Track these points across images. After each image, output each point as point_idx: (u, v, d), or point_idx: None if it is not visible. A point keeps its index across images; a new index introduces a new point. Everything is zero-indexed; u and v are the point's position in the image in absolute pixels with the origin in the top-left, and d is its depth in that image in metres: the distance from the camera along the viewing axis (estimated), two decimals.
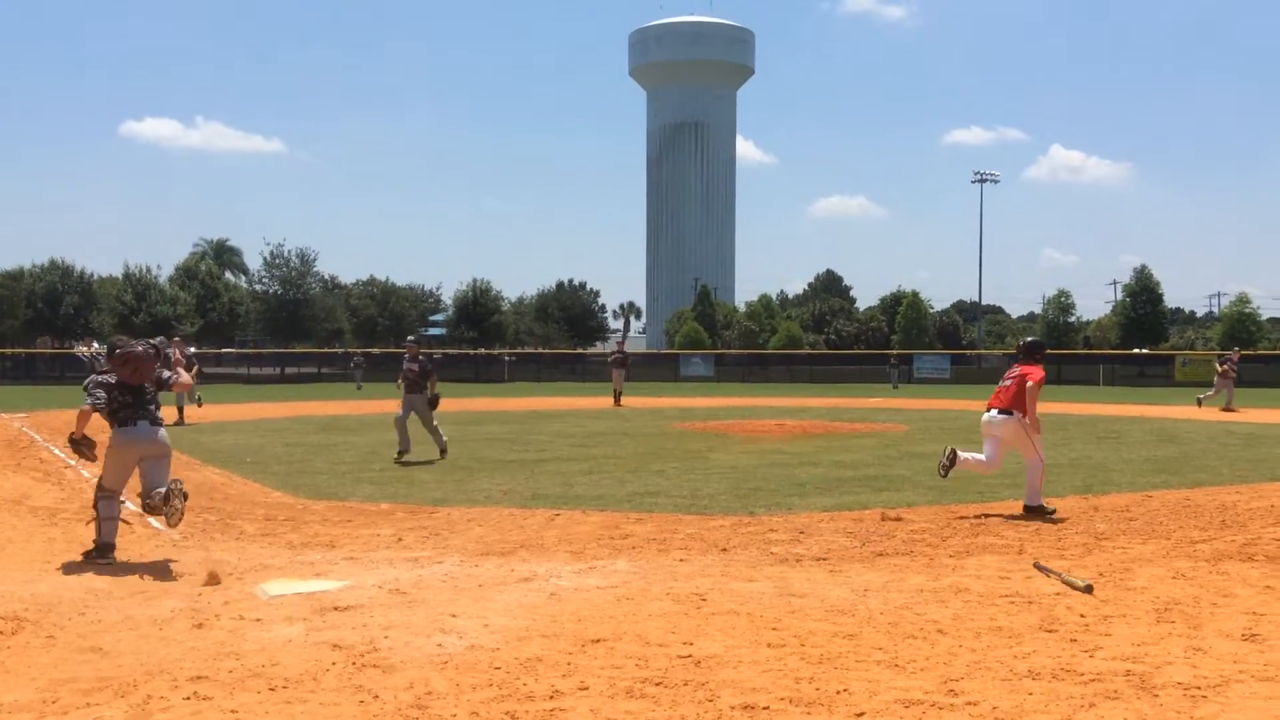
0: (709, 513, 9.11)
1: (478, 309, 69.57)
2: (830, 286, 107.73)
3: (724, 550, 7.30)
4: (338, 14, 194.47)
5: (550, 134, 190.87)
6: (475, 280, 71.30)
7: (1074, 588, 6.02)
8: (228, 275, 71.17)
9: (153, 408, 7.43)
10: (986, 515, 8.95)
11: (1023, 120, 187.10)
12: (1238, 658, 4.68)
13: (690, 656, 4.68)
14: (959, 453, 9.29)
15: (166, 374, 8.01)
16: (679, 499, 9.95)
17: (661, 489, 10.68)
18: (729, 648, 4.82)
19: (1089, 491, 10.58)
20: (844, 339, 79.55)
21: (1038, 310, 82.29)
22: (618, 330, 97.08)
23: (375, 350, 59.83)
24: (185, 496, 7.08)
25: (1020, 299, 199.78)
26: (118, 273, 59.46)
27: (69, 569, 6.72)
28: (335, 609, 5.53)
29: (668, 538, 7.80)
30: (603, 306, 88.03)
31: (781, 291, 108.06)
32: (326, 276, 72.98)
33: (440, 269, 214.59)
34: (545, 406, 28.94)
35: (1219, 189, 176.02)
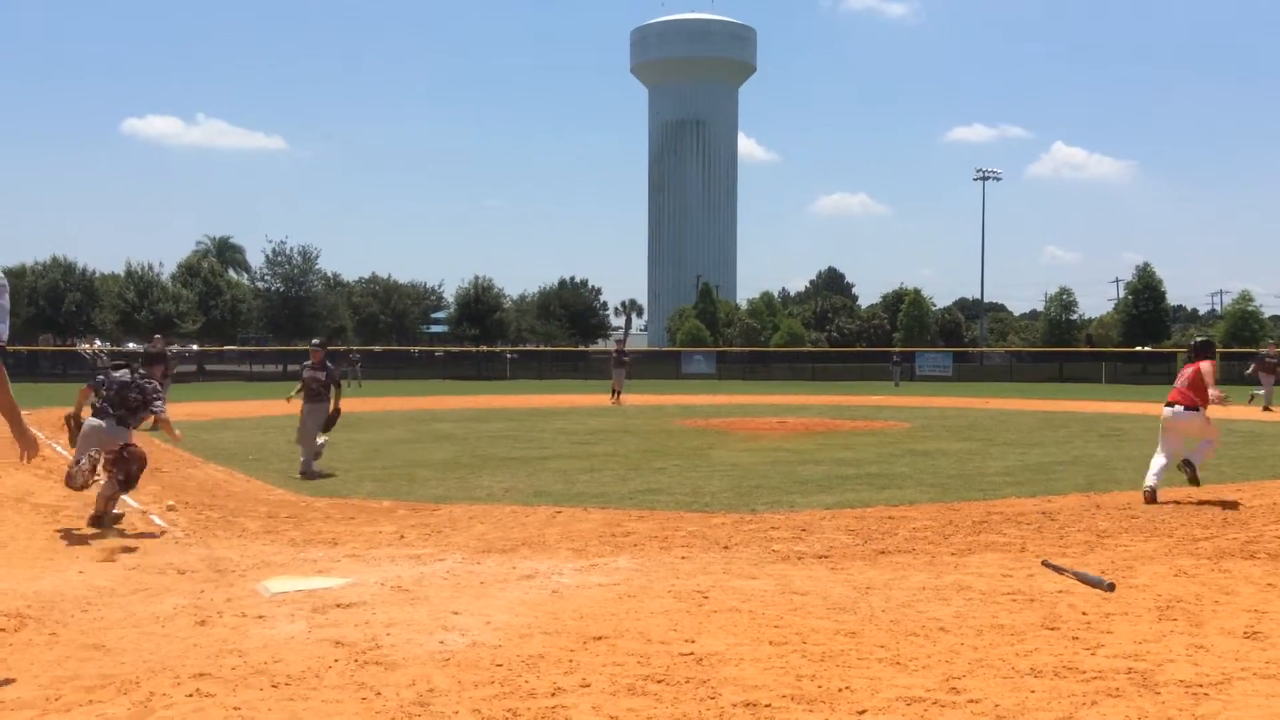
0: (710, 510, 9.11)
1: (479, 306, 69.59)
2: (832, 284, 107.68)
3: (726, 548, 7.31)
4: (339, 10, 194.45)
5: (552, 131, 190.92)
6: (477, 278, 71.32)
7: (1098, 585, 5.99)
8: (230, 273, 71.19)
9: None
10: (989, 513, 8.94)
11: (1025, 118, 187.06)
12: (1240, 655, 4.68)
13: (692, 654, 4.68)
14: (1187, 461, 9.74)
15: (158, 404, 8.56)
16: (681, 497, 9.96)
17: (663, 486, 10.69)
18: (731, 645, 4.83)
19: (1091, 489, 10.57)
20: (846, 337, 79.51)
21: (1040, 308, 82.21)
22: (619, 328, 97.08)
23: (377, 347, 59.87)
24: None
25: (1022, 297, 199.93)
26: (120, 270, 59.55)
27: (71, 566, 6.72)
28: (337, 606, 5.54)
29: (669, 535, 7.81)
30: (604, 304, 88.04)
31: (783, 289, 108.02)
32: (328, 274, 73.03)
33: (442, 266, 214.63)
34: (547, 404, 28.95)
35: (1222, 186, 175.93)
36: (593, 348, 74.40)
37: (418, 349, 66.08)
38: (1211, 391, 9.71)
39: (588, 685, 4.24)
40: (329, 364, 12.46)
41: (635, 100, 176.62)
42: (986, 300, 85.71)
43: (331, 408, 12.23)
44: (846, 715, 3.92)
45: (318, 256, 67.69)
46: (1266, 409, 26.93)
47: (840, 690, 4.17)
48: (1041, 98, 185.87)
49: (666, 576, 6.33)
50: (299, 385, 12.44)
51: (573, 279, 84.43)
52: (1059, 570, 6.46)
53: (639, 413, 24.44)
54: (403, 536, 7.80)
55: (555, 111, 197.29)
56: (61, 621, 5.24)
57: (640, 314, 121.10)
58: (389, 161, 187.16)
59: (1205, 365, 9.91)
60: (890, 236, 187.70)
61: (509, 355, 60.66)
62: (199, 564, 6.75)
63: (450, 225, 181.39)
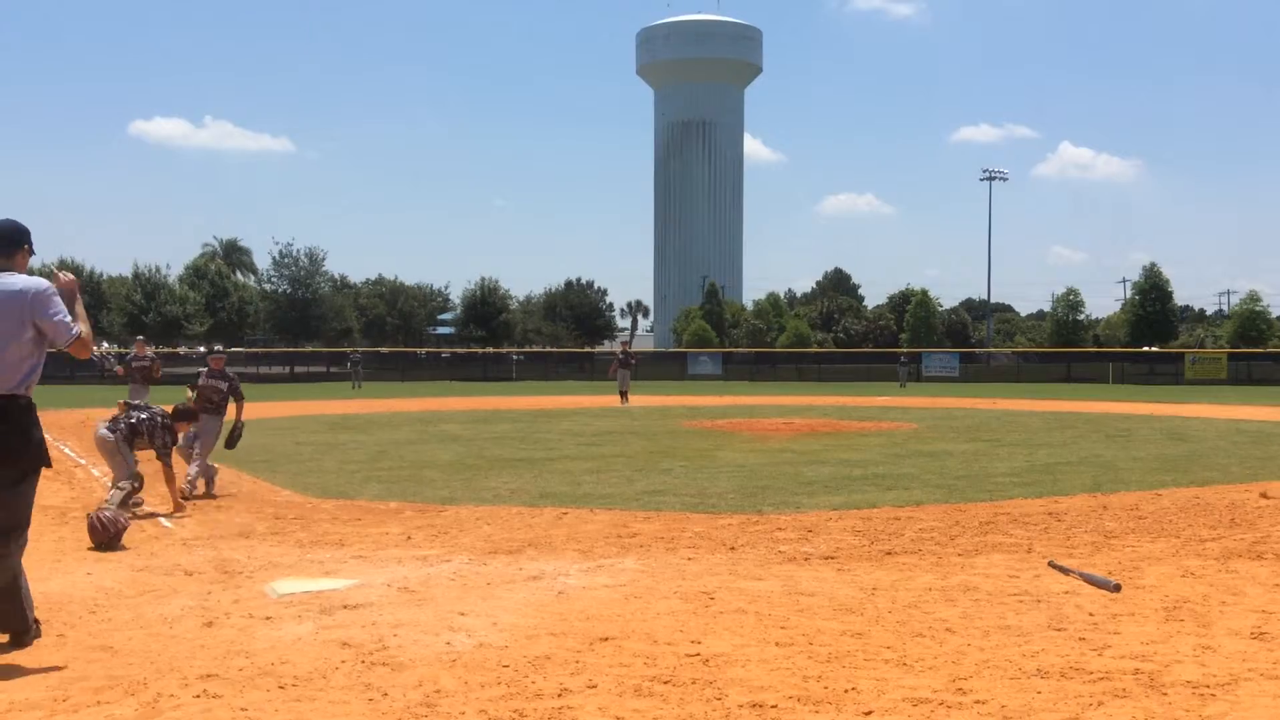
0: (717, 511, 9.11)
1: (486, 308, 69.69)
2: (838, 285, 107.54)
3: (732, 549, 7.31)
4: (346, 13, 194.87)
5: (558, 133, 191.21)
6: (483, 279, 71.52)
7: (1105, 586, 5.98)
8: (237, 275, 71.34)
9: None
10: (996, 514, 8.93)
11: (1032, 117, 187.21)
12: (1247, 656, 4.67)
13: (698, 655, 4.68)
14: None
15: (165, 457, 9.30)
16: (687, 498, 9.96)
17: (669, 488, 10.69)
18: (737, 646, 4.83)
19: (1098, 490, 10.56)
20: (852, 337, 79.46)
21: (1047, 308, 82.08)
22: (625, 329, 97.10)
23: (383, 349, 59.94)
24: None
25: (1029, 297, 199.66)
26: (127, 272, 59.78)
27: (79, 568, 6.75)
28: (344, 607, 5.55)
29: (675, 536, 7.81)
30: (610, 305, 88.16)
31: (789, 290, 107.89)
32: (335, 276, 73.19)
33: (448, 268, 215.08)
34: (553, 405, 28.96)
35: (1229, 186, 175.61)
36: (599, 349, 74.41)
37: (424, 350, 66.15)
38: None
39: (594, 686, 4.24)
40: (229, 372, 11.20)
41: (641, 101, 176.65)
42: (993, 301, 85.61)
43: (236, 422, 10.97)
44: (853, 716, 3.91)
45: (324, 258, 67.92)
46: None
47: (847, 691, 4.17)
48: (1048, 98, 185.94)
49: (673, 577, 6.33)
50: (192, 393, 10.87)
51: (579, 280, 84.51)
52: (1065, 571, 6.45)
53: (645, 414, 24.45)
54: (409, 538, 7.81)
55: (561, 113, 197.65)
56: (69, 623, 5.26)
57: (646, 315, 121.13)
58: (396, 163, 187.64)
59: None
60: (897, 237, 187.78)
61: (515, 357, 60.73)
62: (206, 565, 6.77)
63: (457, 227, 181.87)
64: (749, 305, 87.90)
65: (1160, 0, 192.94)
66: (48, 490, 10.41)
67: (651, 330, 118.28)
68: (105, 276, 60.30)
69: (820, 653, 4.71)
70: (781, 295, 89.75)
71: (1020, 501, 9.72)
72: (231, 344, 61.28)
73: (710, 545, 7.44)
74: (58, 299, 4.88)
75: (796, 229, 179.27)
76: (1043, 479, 11.48)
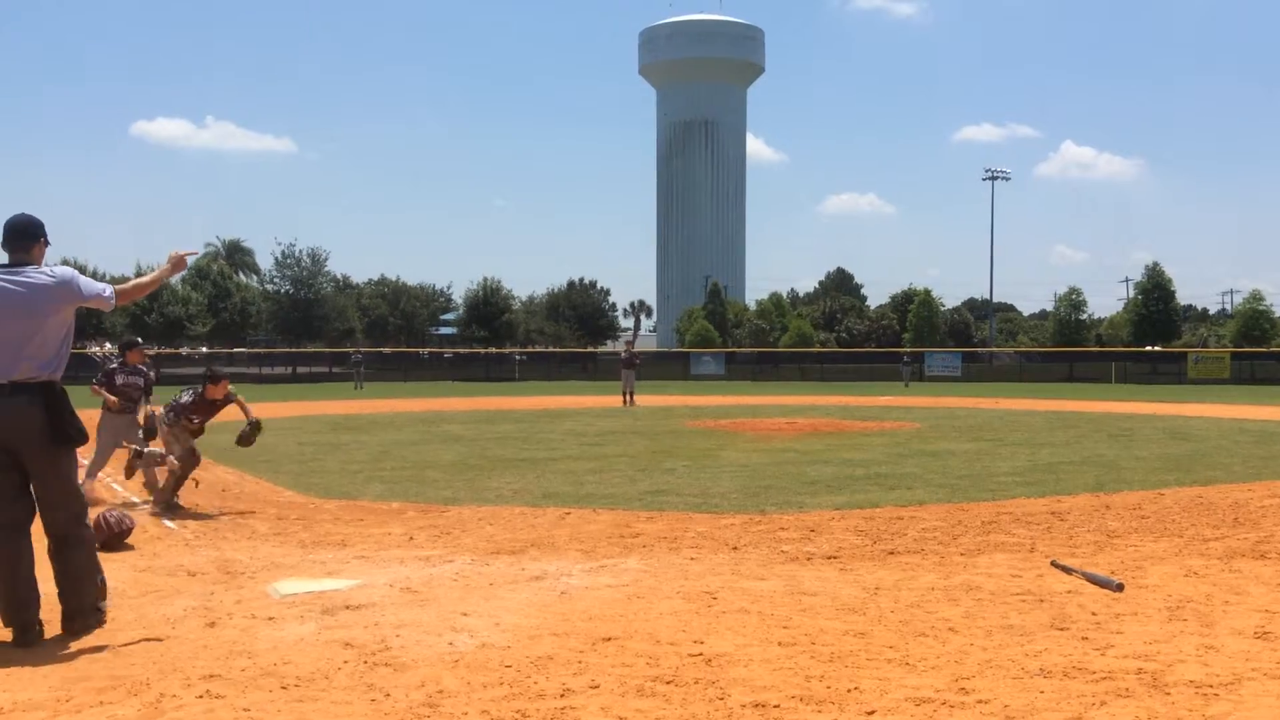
0: (720, 511, 9.10)
1: (488, 308, 69.68)
2: (841, 284, 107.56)
3: (735, 549, 7.31)
4: (347, 13, 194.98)
5: (560, 133, 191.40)
6: (486, 279, 71.48)
7: (1108, 586, 5.98)
8: (239, 275, 71.39)
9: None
10: (998, 513, 8.93)
11: (1034, 117, 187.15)
12: (1250, 655, 4.66)
13: (701, 655, 4.68)
14: None
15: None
16: (690, 497, 9.95)
17: (672, 487, 10.69)
18: (740, 646, 4.82)
19: (1101, 489, 10.55)
20: (855, 337, 79.42)
21: (1049, 308, 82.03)
22: (628, 329, 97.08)
23: (386, 349, 59.94)
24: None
25: (1032, 296, 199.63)
26: (130, 272, 59.75)
27: None
28: (347, 608, 5.55)
29: (678, 536, 7.80)
30: (613, 305, 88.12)
31: (792, 289, 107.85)
32: (338, 276, 73.25)
33: (451, 268, 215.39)
34: (556, 405, 28.97)
35: (1231, 185, 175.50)
36: (601, 349, 74.42)
37: (427, 351, 66.19)
38: None
39: (597, 686, 4.24)
40: (145, 368, 10.61)
41: (644, 101, 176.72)
42: (996, 300, 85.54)
43: (142, 419, 10.18)
44: (855, 716, 3.91)
45: (327, 258, 67.95)
46: None
47: (849, 691, 4.17)
48: (1050, 97, 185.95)
49: (675, 577, 6.33)
50: (103, 390, 10.22)
51: (581, 280, 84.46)
52: (1068, 570, 6.44)
53: (648, 414, 24.45)
54: (412, 538, 7.81)
55: (564, 113, 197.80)
56: (66, 630, 5.25)
57: (649, 315, 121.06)
58: (398, 163, 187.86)
59: None
60: (899, 236, 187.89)
61: (518, 357, 60.75)
62: (209, 566, 6.77)
63: (459, 227, 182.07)
64: (751, 305, 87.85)
65: (1162, 0, 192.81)
66: None
67: (654, 330, 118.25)
68: (108, 277, 60.34)
69: (823, 652, 4.71)
70: (784, 295, 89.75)
71: (1023, 501, 9.71)
72: (234, 344, 61.32)
73: (713, 545, 7.44)
74: (84, 277, 5.23)
75: (799, 229, 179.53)
76: (1045, 478, 11.47)
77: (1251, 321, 63.07)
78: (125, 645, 4.84)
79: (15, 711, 3.94)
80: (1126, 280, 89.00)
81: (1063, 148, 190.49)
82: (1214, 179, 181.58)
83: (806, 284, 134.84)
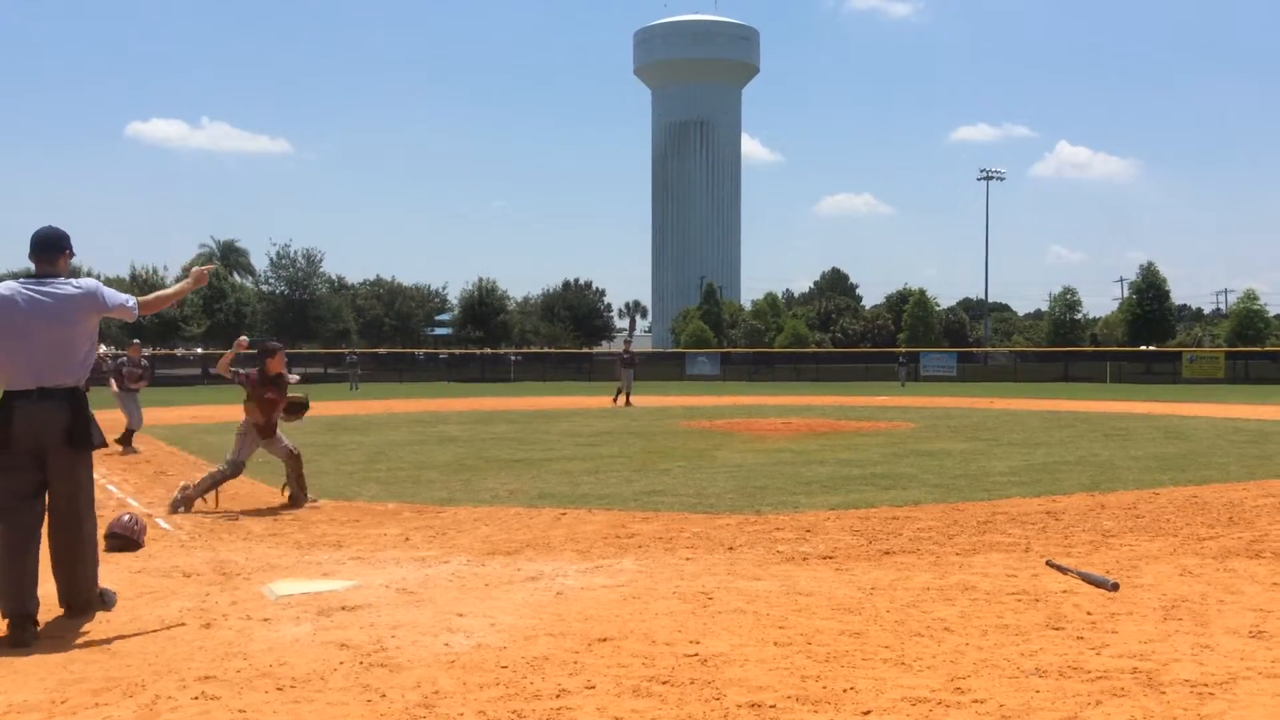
0: (715, 511, 9.11)
1: (484, 308, 69.67)
2: (836, 285, 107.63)
3: (730, 549, 7.31)
4: (343, 14, 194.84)
5: (555, 133, 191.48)
6: (481, 280, 71.53)
7: (1103, 585, 5.98)
8: (234, 276, 71.29)
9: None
10: (993, 513, 8.94)
11: (1029, 117, 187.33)
12: (1245, 655, 4.67)
13: (697, 655, 4.68)
14: None
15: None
16: (685, 498, 9.96)
17: (667, 488, 10.69)
18: (735, 646, 4.83)
19: (1096, 489, 10.56)
20: (850, 337, 79.50)
21: (1044, 308, 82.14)
22: (623, 329, 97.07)
23: (381, 350, 59.88)
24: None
25: (1027, 296, 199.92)
26: (124, 274, 59.69)
27: None
28: (342, 609, 5.55)
29: (674, 536, 7.81)
30: (608, 306, 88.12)
31: (787, 290, 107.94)
32: (333, 277, 73.19)
33: (446, 269, 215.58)
34: (551, 406, 28.97)
35: (1226, 185, 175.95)
36: (597, 349, 74.40)
37: (422, 351, 66.14)
38: None
39: (593, 687, 4.24)
40: (145, 364, 10.85)
41: (639, 102, 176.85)
42: (991, 300, 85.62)
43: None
44: (851, 715, 3.91)
45: (322, 259, 68.00)
46: None
47: (845, 691, 4.17)
48: (1045, 97, 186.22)
49: (671, 578, 6.33)
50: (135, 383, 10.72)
51: (577, 281, 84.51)
52: (1064, 570, 6.45)
53: (643, 414, 24.45)
54: (407, 539, 7.80)
55: (559, 114, 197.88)
56: (67, 624, 5.25)
57: (644, 315, 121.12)
58: (393, 164, 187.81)
59: None
60: (894, 237, 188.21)
61: (513, 357, 60.72)
62: (204, 567, 6.76)
63: (454, 228, 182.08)
64: (747, 305, 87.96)
65: (1157, 0, 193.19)
66: None
67: (650, 330, 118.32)
68: (102, 278, 60.27)
69: (819, 652, 4.72)
70: (779, 295, 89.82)
71: (1018, 501, 9.73)
72: (229, 346, 61.26)
73: (708, 545, 7.44)
74: (109, 289, 5.55)
75: (794, 229, 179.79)
76: (1041, 478, 11.49)
77: (1246, 321, 63.21)
78: (121, 647, 4.84)
79: (10, 713, 3.93)
80: (1121, 280, 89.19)
81: (1058, 148, 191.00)
82: (1209, 179, 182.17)
83: (801, 284, 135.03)
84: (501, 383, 52.58)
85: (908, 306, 74.25)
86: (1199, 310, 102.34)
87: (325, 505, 9.62)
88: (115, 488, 10.93)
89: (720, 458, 13.85)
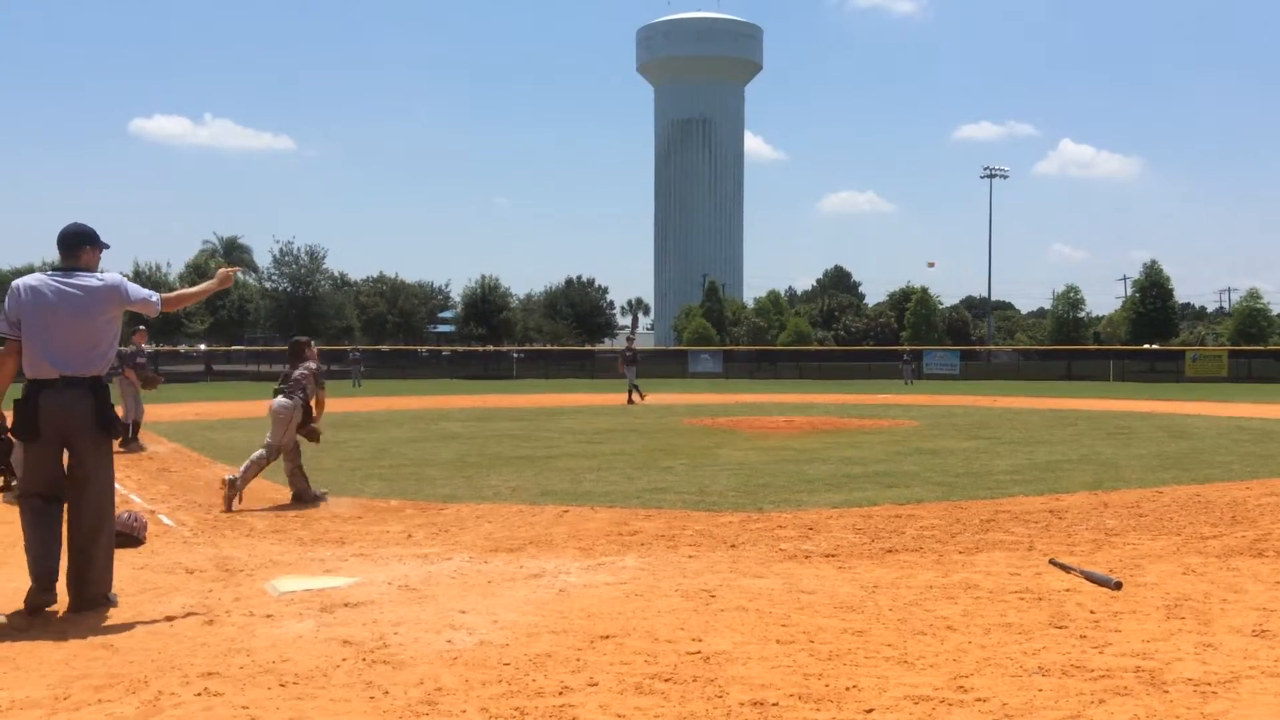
0: (718, 509, 9.10)
1: (486, 306, 69.70)
2: (839, 282, 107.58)
3: (733, 546, 7.31)
4: (346, 10, 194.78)
5: (558, 131, 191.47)
6: (484, 277, 71.55)
7: (1106, 584, 5.98)
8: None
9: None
10: (996, 512, 8.93)
11: (1033, 115, 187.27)
12: (1248, 654, 4.67)
13: (699, 653, 4.68)
14: None
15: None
16: (687, 495, 9.95)
17: (670, 485, 10.69)
18: (738, 644, 4.82)
19: (1099, 487, 10.55)
20: (853, 335, 79.47)
21: (1047, 306, 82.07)
22: (626, 327, 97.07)
23: (384, 347, 59.89)
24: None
25: (1030, 295, 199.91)
26: (128, 270, 59.71)
27: None
28: (345, 605, 5.55)
29: (676, 534, 7.80)
30: (611, 303, 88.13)
31: (790, 287, 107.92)
32: (336, 274, 73.21)
33: (449, 266, 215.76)
34: (554, 403, 28.97)
35: (1230, 184, 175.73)
36: (600, 347, 74.39)
37: (425, 348, 66.20)
38: None
39: (595, 684, 4.24)
40: (144, 356, 10.81)
41: (641, 99, 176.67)
42: (994, 298, 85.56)
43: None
44: (854, 714, 3.91)
45: (325, 256, 67.96)
46: None
47: (848, 689, 4.17)
48: (1049, 95, 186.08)
49: (674, 575, 6.33)
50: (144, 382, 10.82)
51: (579, 278, 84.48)
52: (1066, 569, 6.44)
53: (646, 412, 24.45)
54: (410, 535, 7.81)
55: (562, 111, 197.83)
56: (70, 621, 5.26)
57: (647, 313, 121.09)
58: (396, 161, 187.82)
59: None
60: (897, 235, 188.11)
61: (516, 354, 60.74)
62: (207, 563, 6.76)
63: (457, 225, 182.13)
64: (749, 303, 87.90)
65: None
66: None
67: (652, 328, 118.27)
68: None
69: (821, 650, 4.71)
70: (782, 293, 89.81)
71: (1021, 499, 9.72)
72: (232, 342, 61.27)
73: (711, 543, 7.44)
74: (133, 284, 5.73)
75: (797, 226, 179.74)
76: (1043, 476, 11.48)
77: (1249, 320, 63.15)
78: (123, 643, 4.84)
79: (14, 709, 3.93)
80: (1125, 278, 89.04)
81: (1061, 146, 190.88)
82: (1212, 177, 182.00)
83: (804, 282, 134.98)
84: (504, 380, 52.59)
85: (910, 304, 74.21)
86: (1202, 309, 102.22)
87: (330, 500, 9.61)
88: (119, 484, 10.92)
89: (723, 455, 13.84)
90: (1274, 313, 66.48)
